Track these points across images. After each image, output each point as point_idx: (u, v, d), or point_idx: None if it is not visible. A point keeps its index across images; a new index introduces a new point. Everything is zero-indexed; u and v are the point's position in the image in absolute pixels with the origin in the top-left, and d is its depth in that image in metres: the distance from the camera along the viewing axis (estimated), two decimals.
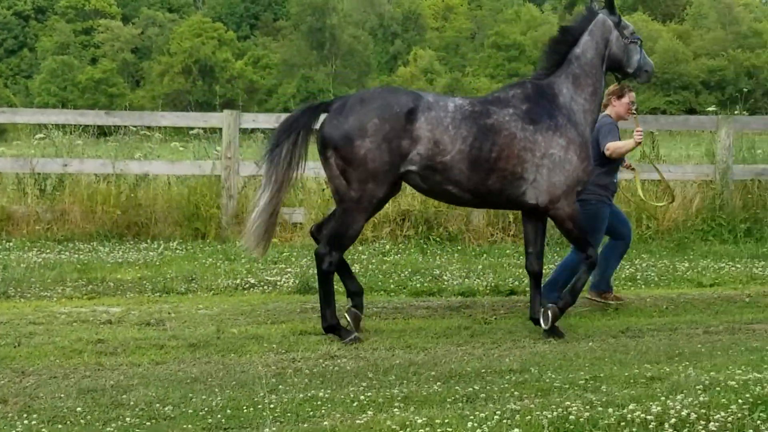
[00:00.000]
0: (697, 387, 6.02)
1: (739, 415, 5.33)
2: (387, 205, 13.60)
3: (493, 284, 10.67)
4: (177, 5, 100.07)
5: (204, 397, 6.32)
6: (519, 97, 8.41)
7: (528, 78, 8.86)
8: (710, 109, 17.50)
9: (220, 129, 14.29)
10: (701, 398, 5.69)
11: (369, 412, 5.87)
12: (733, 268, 11.73)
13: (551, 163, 8.22)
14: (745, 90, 29.53)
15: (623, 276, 11.27)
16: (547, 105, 8.41)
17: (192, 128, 15.45)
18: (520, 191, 8.26)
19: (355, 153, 7.92)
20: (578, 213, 8.46)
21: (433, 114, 8.07)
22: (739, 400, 5.55)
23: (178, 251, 12.64)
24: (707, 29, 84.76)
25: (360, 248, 12.88)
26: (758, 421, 5.24)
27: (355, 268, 11.47)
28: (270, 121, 14.86)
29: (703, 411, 5.41)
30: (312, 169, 14.17)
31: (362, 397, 6.22)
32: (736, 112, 15.74)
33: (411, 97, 8.15)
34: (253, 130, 16.03)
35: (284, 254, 12.41)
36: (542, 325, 8.37)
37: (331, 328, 8.22)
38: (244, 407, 6.05)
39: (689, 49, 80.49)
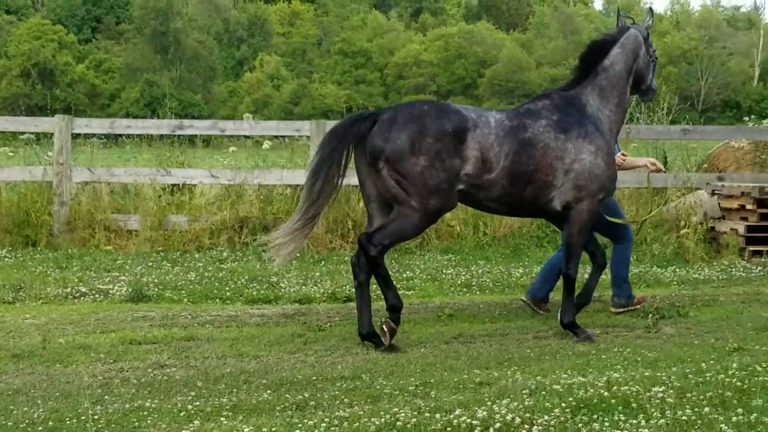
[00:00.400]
0: (524, 391, 6.10)
1: (562, 418, 5.41)
2: (225, 211, 13.54)
3: (330, 291, 10.64)
4: (15, 7, 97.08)
5: (26, 409, 6.10)
6: (549, 108, 8.56)
7: (555, 89, 9.00)
8: None
9: (52, 134, 13.91)
10: (527, 402, 5.76)
11: (196, 422, 5.77)
12: None
13: (580, 167, 8.39)
14: None
15: (459, 282, 11.40)
16: (576, 114, 8.59)
17: (22, 133, 15.00)
18: (549, 197, 8.42)
19: (410, 169, 7.91)
20: (590, 223, 8.64)
21: (478, 132, 8.11)
22: (563, 404, 5.64)
23: (6, 259, 12.24)
24: (549, 39, 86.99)
25: (196, 255, 12.70)
26: (580, 424, 5.34)
27: (191, 276, 11.31)
28: (103, 126, 14.58)
29: (527, 415, 5.48)
30: (147, 176, 13.96)
31: (190, 407, 6.10)
32: None
33: (458, 116, 8.12)
34: (87, 136, 15.66)
35: (118, 262, 12.14)
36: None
37: (394, 308, 8.17)
38: (67, 419, 5.87)
39: (532, 57, 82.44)
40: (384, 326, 8.13)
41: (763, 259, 12.84)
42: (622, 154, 9.64)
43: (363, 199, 8.63)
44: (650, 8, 9.62)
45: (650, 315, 9.30)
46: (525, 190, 8.30)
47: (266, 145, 15.10)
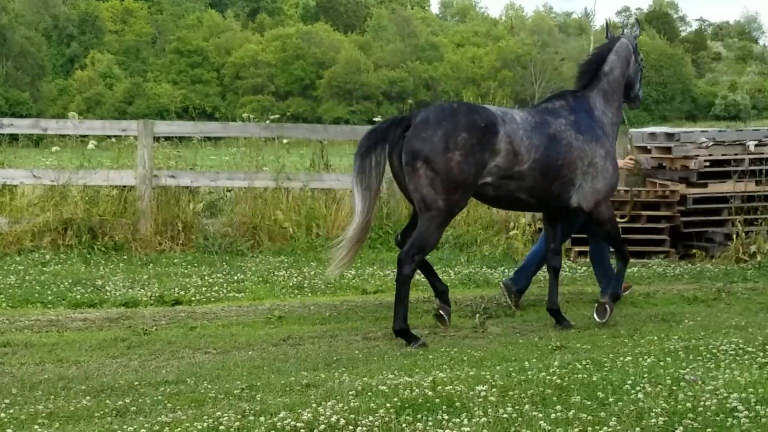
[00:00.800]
0: (350, 393, 6.07)
1: (387, 418, 5.40)
2: (48, 213, 13.09)
3: (157, 294, 10.43)
4: None
5: None
6: (565, 108, 9.12)
7: (568, 90, 9.58)
8: (375, 119, 18.00)
9: None
10: (352, 404, 5.73)
11: (9, 430, 5.54)
12: None
13: (594, 170, 8.97)
14: (427, 100, 30.68)
15: (291, 284, 11.33)
16: (587, 117, 9.15)
17: None
18: (569, 195, 8.96)
19: (445, 164, 8.23)
20: (614, 215, 9.46)
21: (509, 127, 8.53)
22: (388, 404, 5.63)
23: None
24: (387, 41, 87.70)
25: (17, 258, 12.25)
26: (404, 424, 5.33)
27: (10, 280, 10.91)
28: None
29: (352, 416, 5.45)
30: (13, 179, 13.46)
31: (3, 415, 5.86)
32: None
33: (487, 112, 8.60)
34: None
35: None
36: (598, 319, 9.19)
37: (403, 332, 8.38)
38: None
39: (370, 59, 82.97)
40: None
41: (586, 260, 13.16)
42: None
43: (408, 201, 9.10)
44: (637, 19, 10.55)
45: (477, 315, 9.42)
46: (553, 185, 8.82)
47: (91, 145, 14.66)
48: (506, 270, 12.41)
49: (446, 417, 5.37)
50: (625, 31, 10.52)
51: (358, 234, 8.53)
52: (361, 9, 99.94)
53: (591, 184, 8.98)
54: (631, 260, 12.03)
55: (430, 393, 5.81)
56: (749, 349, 6.96)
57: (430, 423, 5.31)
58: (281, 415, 5.51)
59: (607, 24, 10.57)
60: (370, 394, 6.01)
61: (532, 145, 8.60)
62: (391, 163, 8.55)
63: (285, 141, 15.21)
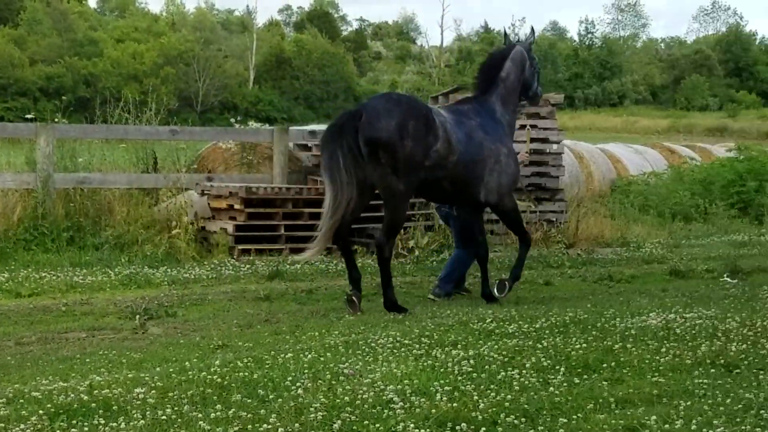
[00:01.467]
0: (0, 400, 5.75)
1: (39, 426, 5.16)
2: None
3: None
4: None
5: None
6: (473, 111, 10.12)
7: (471, 96, 10.72)
8: (28, 116, 17.28)
9: None
10: (2, 412, 5.44)
11: None
12: (54, 277, 11.58)
13: (500, 168, 9.98)
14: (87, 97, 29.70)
15: None
16: (491, 119, 10.17)
17: None
18: (478, 190, 9.92)
19: (403, 149, 9.13)
20: (517, 206, 10.63)
21: (441, 119, 9.55)
22: (41, 411, 5.38)
23: None
24: (43, 35, 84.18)
25: None
26: (58, 431, 5.12)
27: None
28: None
29: (2, 425, 5.17)
30: None
31: None
32: (56, 120, 15.55)
33: (422, 103, 9.89)
34: None
35: None
36: (498, 293, 10.26)
37: (393, 305, 9.46)
38: None
39: (25, 54, 79.34)
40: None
41: (250, 258, 13.25)
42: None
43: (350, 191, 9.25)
44: (532, 27, 11.33)
45: (137, 316, 9.23)
46: (469, 178, 9.79)
47: None
48: (168, 269, 12.26)
49: (103, 421, 5.20)
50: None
51: (330, 225, 9.27)
52: (14, 1, 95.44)
53: (497, 180, 9.99)
54: (294, 257, 12.24)
55: (86, 397, 5.61)
56: (406, 341, 7.21)
57: (86, 428, 5.12)
58: None
59: (505, 32, 11.63)
60: (22, 401, 5.72)
61: (458, 139, 9.59)
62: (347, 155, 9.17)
63: None
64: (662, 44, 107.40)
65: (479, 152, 9.84)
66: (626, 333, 7.41)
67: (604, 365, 6.41)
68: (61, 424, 5.23)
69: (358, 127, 9.16)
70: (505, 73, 10.56)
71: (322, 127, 15.49)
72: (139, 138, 15.65)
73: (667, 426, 5.07)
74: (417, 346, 7.05)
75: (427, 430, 5.01)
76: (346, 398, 5.54)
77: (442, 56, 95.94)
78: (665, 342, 7.06)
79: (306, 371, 6.25)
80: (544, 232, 15.21)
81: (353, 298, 9.64)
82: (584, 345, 6.92)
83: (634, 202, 20.86)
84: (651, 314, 8.29)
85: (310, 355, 6.77)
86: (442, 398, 5.56)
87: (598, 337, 7.25)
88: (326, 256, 13.56)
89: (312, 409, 5.31)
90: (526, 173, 15.47)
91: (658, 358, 6.58)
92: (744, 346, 6.87)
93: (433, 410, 5.31)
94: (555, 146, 15.95)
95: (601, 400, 5.59)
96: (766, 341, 7.00)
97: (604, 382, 6.02)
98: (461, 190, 9.89)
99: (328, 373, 6.18)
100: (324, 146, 9.38)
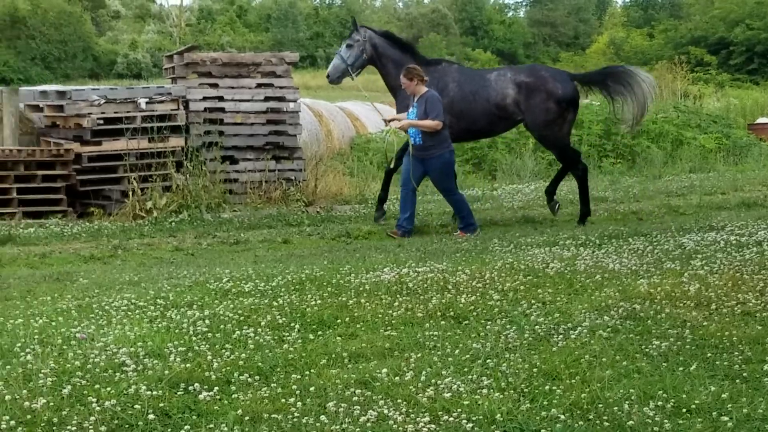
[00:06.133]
0: None
1: None
2: None
3: None
4: None
5: None
6: None
7: None
8: None
9: None
10: None
11: None
12: None
13: None
14: None
15: None
16: None
17: None
18: None
19: None
20: None
21: None
22: None
23: None
24: None
25: None
26: None
27: None
28: None
29: None
30: None
31: None
32: None
33: None
34: None
35: None
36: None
37: None
38: None
39: None
40: None
41: None
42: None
43: None
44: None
45: None
46: None
47: None
48: None
49: None
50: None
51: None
52: None
53: None
54: (28, 221, 11.86)
55: None
56: (141, 303, 7.17)
57: None
58: None
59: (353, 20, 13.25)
60: None
61: None
62: None
63: None
64: (400, 3, 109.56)
65: None
66: (361, 288, 7.60)
67: (339, 321, 6.58)
68: None
69: None
70: None
71: (55, 87, 15.02)
72: None
73: (397, 378, 5.26)
74: (152, 307, 7.02)
75: (160, 391, 5.00)
76: (77, 362, 5.47)
77: (182, 15, 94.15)
78: (398, 296, 7.31)
79: (36, 337, 6.12)
80: (284, 190, 15.30)
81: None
82: (319, 302, 7.08)
83: (372, 159, 21.22)
84: (385, 269, 8.51)
85: (41, 320, 6.64)
86: (176, 359, 5.57)
87: (334, 293, 7.43)
88: (61, 218, 13.21)
89: (41, 375, 5.20)
90: (263, 132, 15.54)
91: (390, 312, 6.80)
92: (473, 297, 7.19)
93: (167, 371, 5.32)
94: (292, 105, 16.02)
95: (334, 356, 5.74)
96: (494, 292, 7.36)
97: (338, 338, 6.18)
98: None
99: (59, 337, 6.07)
100: None
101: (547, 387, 5.04)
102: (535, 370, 5.35)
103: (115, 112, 14.01)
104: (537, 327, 6.33)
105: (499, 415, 4.65)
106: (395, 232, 12.22)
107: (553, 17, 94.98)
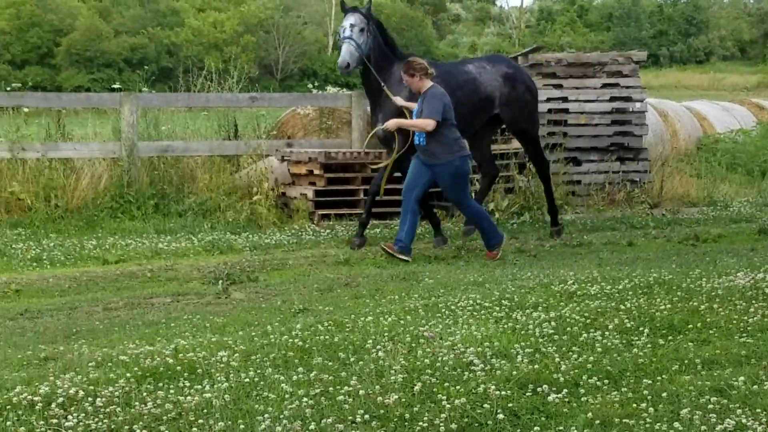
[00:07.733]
0: (90, 364, 5.87)
1: (127, 388, 5.25)
2: None
3: None
4: None
5: None
6: None
7: None
8: (114, 87, 17.55)
9: None
10: (91, 375, 5.55)
11: None
12: (140, 244, 11.78)
13: None
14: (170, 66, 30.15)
15: (29, 257, 10.88)
16: None
17: None
18: None
19: None
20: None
21: None
22: (128, 374, 5.48)
23: None
24: (127, 7, 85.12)
25: None
26: (144, 393, 5.21)
27: None
28: None
29: (91, 387, 5.27)
30: None
31: None
32: (145, 90, 15.82)
33: None
34: None
35: None
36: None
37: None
38: None
39: (110, 26, 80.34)
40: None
41: (330, 222, 13.30)
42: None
43: None
44: None
45: (220, 281, 9.32)
46: None
47: None
48: (250, 235, 12.38)
49: (188, 384, 5.28)
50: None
51: None
52: None
53: None
54: (374, 221, 12.28)
55: (171, 361, 5.70)
56: (486, 304, 7.19)
57: (172, 390, 5.20)
58: (17, 389, 5.26)
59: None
60: (110, 364, 5.84)
61: None
62: None
63: (26, 110, 14.69)
64: None
65: None
66: (713, 293, 7.25)
67: (690, 326, 6.31)
68: (148, 386, 5.32)
69: None
70: None
71: None
72: (220, 105, 15.80)
73: (755, 387, 4.98)
74: (497, 308, 7.02)
75: (509, 391, 4.99)
76: (426, 360, 5.54)
77: (522, 17, 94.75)
78: (753, 302, 6.91)
79: (386, 334, 6.26)
80: (628, 192, 15.02)
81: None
82: (669, 306, 6.82)
83: (721, 160, 20.42)
84: (739, 274, 8.09)
85: (390, 318, 6.79)
86: (523, 360, 5.54)
87: (684, 298, 7.13)
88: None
89: (392, 371, 5.32)
90: (608, 133, 15.29)
91: (746, 318, 6.44)
92: None
93: (514, 372, 5.30)
94: (638, 104, 15.70)
95: (686, 362, 5.51)
96: None
97: (689, 344, 5.93)
98: None
99: (408, 336, 6.19)
100: None
101: None
102: None
103: None
104: None
105: None
106: (390, 246, 10.77)
107: None
